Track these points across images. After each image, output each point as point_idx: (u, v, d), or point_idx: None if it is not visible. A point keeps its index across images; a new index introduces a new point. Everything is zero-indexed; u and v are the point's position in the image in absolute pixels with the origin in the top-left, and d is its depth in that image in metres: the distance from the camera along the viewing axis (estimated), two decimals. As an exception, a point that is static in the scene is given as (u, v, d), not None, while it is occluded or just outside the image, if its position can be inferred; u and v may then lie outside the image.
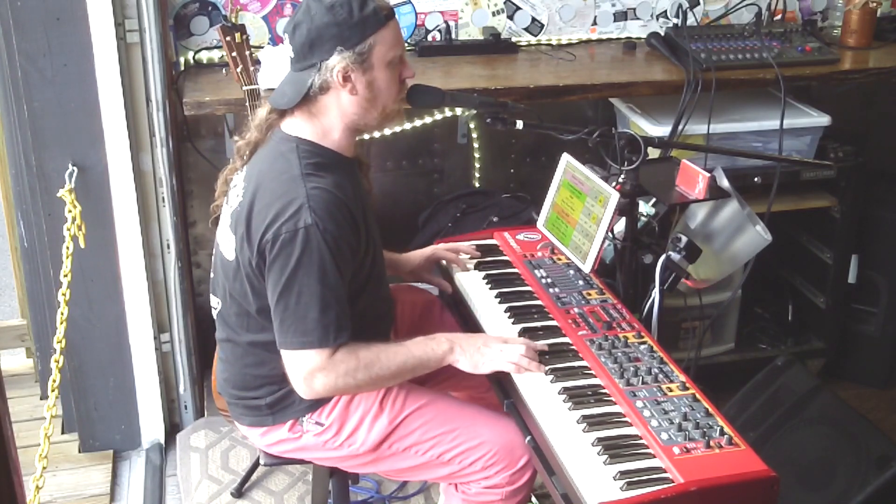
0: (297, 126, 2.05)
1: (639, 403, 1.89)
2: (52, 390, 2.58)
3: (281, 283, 1.94)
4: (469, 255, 2.45)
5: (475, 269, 2.42)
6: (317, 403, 2.11)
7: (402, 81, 2.07)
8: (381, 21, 1.98)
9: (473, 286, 2.35)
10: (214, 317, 2.20)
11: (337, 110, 2.02)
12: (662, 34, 3.22)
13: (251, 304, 2.05)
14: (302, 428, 2.14)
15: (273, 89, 2.14)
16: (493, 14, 3.28)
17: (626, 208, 2.25)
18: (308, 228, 1.91)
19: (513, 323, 2.19)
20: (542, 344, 2.08)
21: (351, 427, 2.11)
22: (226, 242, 2.09)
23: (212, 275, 2.21)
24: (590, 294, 2.27)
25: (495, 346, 2.05)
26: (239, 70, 2.63)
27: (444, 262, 2.46)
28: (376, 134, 3.21)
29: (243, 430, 2.25)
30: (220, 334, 2.20)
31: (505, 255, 2.47)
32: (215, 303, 2.19)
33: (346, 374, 1.98)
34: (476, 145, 3.43)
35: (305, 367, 1.98)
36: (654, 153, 2.54)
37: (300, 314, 1.94)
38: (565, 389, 1.95)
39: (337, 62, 1.96)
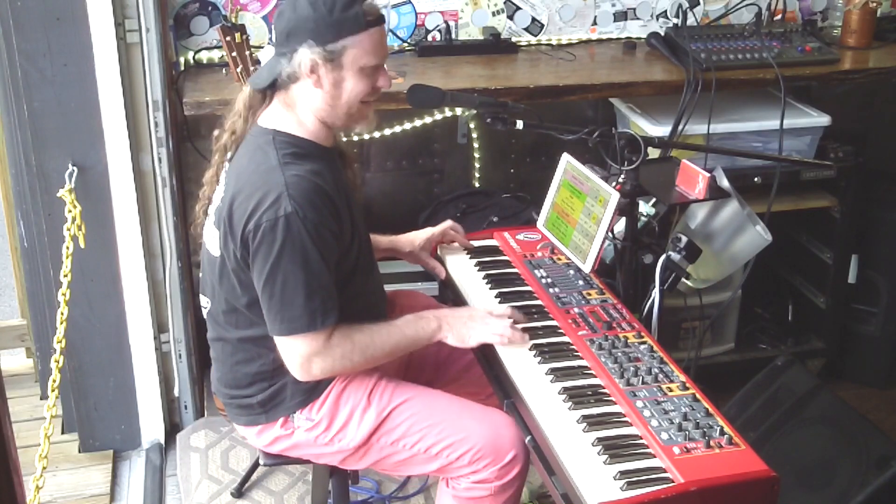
0: (273, 118, 2.07)
1: (639, 403, 1.89)
2: (52, 390, 2.58)
3: (265, 271, 1.96)
4: (464, 247, 2.49)
5: (475, 267, 2.42)
6: (307, 399, 2.13)
7: (375, 89, 2.07)
8: (362, 26, 1.98)
9: (473, 285, 2.35)
10: (205, 316, 2.21)
11: (306, 102, 2.04)
12: (662, 34, 3.22)
13: (239, 299, 2.07)
14: (293, 424, 2.15)
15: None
16: (493, 14, 3.28)
17: (626, 208, 2.25)
18: (288, 216, 1.92)
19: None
20: (522, 315, 2.15)
21: (341, 422, 2.12)
22: (211, 239, 2.11)
23: (200, 274, 2.22)
24: (590, 294, 2.27)
25: (480, 319, 2.10)
26: (239, 70, 2.63)
27: (440, 250, 2.49)
28: (376, 134, 3.22)
29: (240, 429, 2.26)
30: (211, 333, 2.22)
31: (505, 255, 2.47)
32: (205, 302, 2.20)
33: (343, 356, 2.02)
34: (476, 145, 3.43)
35: (301, 353, 2.00)
36: (654, 153, 2.54)
37: (286, 301, 1.96)
38: (565, 389, 1.95)
39: (305, 55, 1.98)
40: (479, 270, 2.41)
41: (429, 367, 2.40)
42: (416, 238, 2.46)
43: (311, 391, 2.12)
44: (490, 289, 2.32)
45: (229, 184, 2.06)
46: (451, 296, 2.43)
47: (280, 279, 1.95)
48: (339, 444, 2.14)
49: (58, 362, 2.60)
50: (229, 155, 2.14)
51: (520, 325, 2.11)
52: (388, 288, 2.37)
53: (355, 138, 3.17)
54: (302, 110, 2.06)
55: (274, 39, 2.03)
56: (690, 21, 3.24)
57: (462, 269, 2.43)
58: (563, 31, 3.34)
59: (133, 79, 2.78)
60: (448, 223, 2.50)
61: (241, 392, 2.17)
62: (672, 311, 2.61)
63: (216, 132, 2.19)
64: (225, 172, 2.12)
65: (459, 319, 2.12)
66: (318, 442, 2.15)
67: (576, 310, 2.20)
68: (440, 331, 2.11)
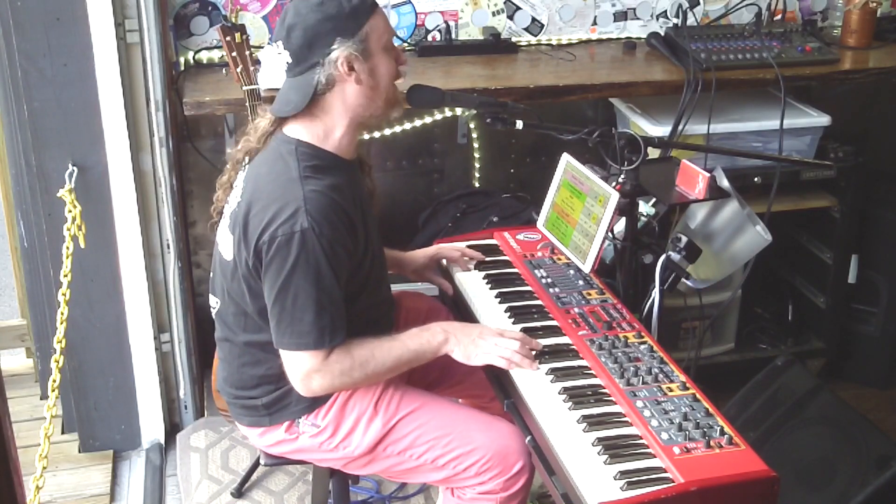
0: (297, 128, 2.05)
1: (639, 403, 1.89)
2: (52, 390, 2.58)
3: (277, 285, 1.94)
4: (471, 259, 2.45)
5: (475, 268, 2.42)
6: (313, 405, 2.11)
7: (399, 64, 2.08)
8: (370, 8, 2.00)
9: (473, 286, 2.35)
10: (213, 316, 2.21)
11: (342, 106, 2.02)
12: (662, 34, 3.22)
13: (249, 305, 2.06)
14: (298, 429, 2.14)
15: (273, 89, 2.13)
16: (493, 14, 3.28)
17: (626, 208, 2.25)
18: (304, 232, 1.91)
19: (513, 323, 2.19)
20: (537, 342, 2.09)
21: (346, 429, 2.11)
22: (224, 242, 2.10)
23: (211, 274, 2.22)
24: (590, 294, 2.27)
25: (490, 338, 2.06)
26: (239, 70, 2.63)
27: (444, 261, 2.46)
28: (376, 133, 3.22)
29: (243, 429, 2.25)
30: (219, 334, 2.21)
31: (505, 255, 2.47)
32: (214, 302, 2.19)
33: (342, 373, 2.00)
34: (476, 145, 3.43)
35: (302, 368, 1.99)
36: (654, 153, 2.54)
37: (296, 316, 1.95)
38: (565, 389, 1.95)
39: (339, 53, 1.96)
40: (479, 271, 2.41)
41: (434, 369, 2.39)
42: (419, 258, 2.44)
43: (318, 397, 2.10)
44: (490, 289, 2.32)
45: (247, 189, 2.04)
46: (450, 296, 2.43)
47: (291, 294, 1.94)
48: (344, 451, 2.13)
49: (58, 362, 2.60)
50: (246, 161, 2.12)
51: (532, 350, 2.06)
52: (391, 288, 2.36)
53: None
54: (333, 118, 2.03)
55: (291, 60, 1.98)
56: (690, 21, 3.24)
57: (462, 269, 2.43)
58: (563, 31, 3.34)
59: (133, 79, 2.78)
60: (439, 248, 2.47)
61: (246, 393, 2.17)
62: (672, 311, 2.61)
63: (228, 150, 2.17)
64: (243, 175, 2.11)
65: (468, 336, 2.08)
66: (323, 448, 2.14)
67: (576, 310, 2.20)
68: (447, 343, 2.07)
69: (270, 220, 1.94)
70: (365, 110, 2.05)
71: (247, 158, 2.12)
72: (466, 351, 2.06)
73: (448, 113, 3.26)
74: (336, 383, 2.02)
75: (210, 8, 3.07)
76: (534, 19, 3.31)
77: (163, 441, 3.11)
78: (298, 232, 1.91)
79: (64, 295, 2.64)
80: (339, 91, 2.00)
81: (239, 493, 2.86)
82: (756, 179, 3.03)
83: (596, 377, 1.99)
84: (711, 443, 1.77)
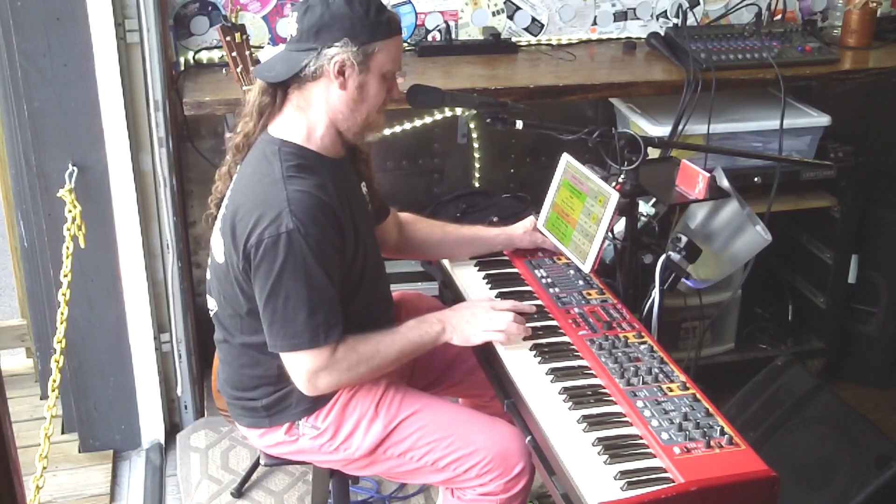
0: (282, 127, 2.05)
1: (639, 403, 1.88)
2: (52, 390, 2.58)
3: (267, 287, 1.95)
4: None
5: (475, 268, 2.42)
6: (313, 407, 2.12)
7: (388, 97, 2.07)
8: (391, 31, 2.00)
9: (473, 285, 2.35)
10: (212, 318, 2.21)
11: (324, 104, 2.01)
12: (662, 34, 3.22)
13: (242, 307, 2.06)
14: (298, 431, 2.14)
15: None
16: (493, 14, 3.28)
17: (626, 208, 2.25)
18: (290, 233, 1.91)
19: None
20: (528, 305, 2.12)
21: (346, 431, 2.12)
22: (217, 245, 2.10)
23: (207, 276, 2.22)
24: (590, 294, 2.27)
25: (483, 315, 2.08)
26: (239, 70, 2.63)
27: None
28: (376, 134, 3.22)
29: (242, 430, 2.25)
30: (218, 335, 2.21)
31: (505, 255, 2.47)
32: (212, 304, 2.19)
33: (349, 369, 2.01)
34: (476, 145, 3.43)
35: (306, 368, 1.99)
36: (654, 153, 2.54)
37: (288, 318, 1.95)
38: (565, 389, 1.95)
39: (337, 52, 1.95)
40: (479, 270, 2.41)
41: (434, 369, 2.39)
42: (523, 223, 2.46)
43: (318, 399, 2.10)
44: (490, 289, 2.32)
45: (234, 191, 2.04)
46: (451, 296, 2.43)
47: (282, 296, 1.94)
48: (345, 453, 2.13)
49: (58, 362, 2.60)
50: (244, 154, 2.12)
51: (525, 314, 2.09)
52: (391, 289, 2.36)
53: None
54: (316, 113, 2.02)
55: (294, 34, 1.98)
56: (690, 21, 3.24)
57: (462, 268, 2.43)
58: (563, 31, 3.34)
59: (133, 79, 2.78)
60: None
61: (245, 394, 2.17)
62: (672, 311, 2.61)
63: (228, 135, 2.17)
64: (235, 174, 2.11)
65: (462, 318, 2.10)
66: (323, 450, 2.15)
67: (576, 310, 2.20)
68: (444, 333, 2.09)
69: (256, 223, 1.93)
70: (344, 119, 2.03)
71: (244, 151, 2.11)
72: (463, 334, 2.09)
73: (448, 113, 3.26)
74: (343, 379, 2.03)
75: (210, 8, 3.07)
76: (534, 19, 3.31)
77: (163, 441, 3.11)
78: (284, 233, 1.91)
79: (64, 295, 2.64)
80: (322, 86, 2.00)
81: (239, 493, 2.86)
82: (756, 179, 3.03)
83: (596, 377, 1.99)
84: (711, 443, 1.77)
